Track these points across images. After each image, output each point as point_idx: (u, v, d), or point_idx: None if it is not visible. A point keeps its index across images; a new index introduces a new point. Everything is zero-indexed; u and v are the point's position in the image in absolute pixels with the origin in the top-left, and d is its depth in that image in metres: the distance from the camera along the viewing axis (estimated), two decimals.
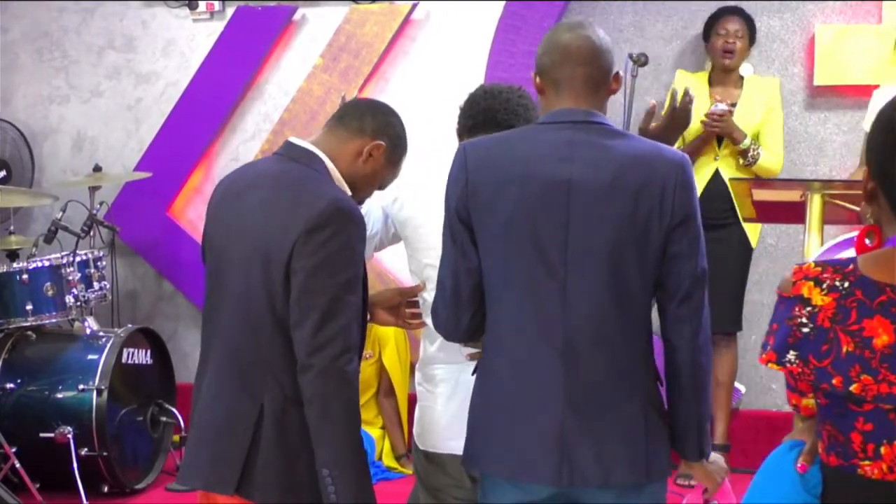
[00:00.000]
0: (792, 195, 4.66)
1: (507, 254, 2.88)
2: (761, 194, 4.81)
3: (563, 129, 2.90)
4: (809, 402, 2.37)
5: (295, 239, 2.99)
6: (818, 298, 2.22)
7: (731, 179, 5.54)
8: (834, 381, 2.19)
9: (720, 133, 5.98)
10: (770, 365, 2.27)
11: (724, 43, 6.11)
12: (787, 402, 6.22)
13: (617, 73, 3.00)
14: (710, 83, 6.20)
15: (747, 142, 5.97)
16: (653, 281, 2.90)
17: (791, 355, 2.24)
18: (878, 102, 5.83)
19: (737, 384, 6.29)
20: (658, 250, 2.86)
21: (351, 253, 3.05)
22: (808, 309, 2.23)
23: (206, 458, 3.13)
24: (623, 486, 2.89)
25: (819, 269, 2.24)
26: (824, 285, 2.22)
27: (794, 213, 4.66)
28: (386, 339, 6.31)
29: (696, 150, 5.97)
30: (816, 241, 4.54)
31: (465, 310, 2.99)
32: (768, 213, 4.97)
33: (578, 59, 2.93)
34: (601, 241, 2.83)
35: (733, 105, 6.06)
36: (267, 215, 3.07)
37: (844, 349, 2.19)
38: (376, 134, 3.25)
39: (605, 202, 2.83)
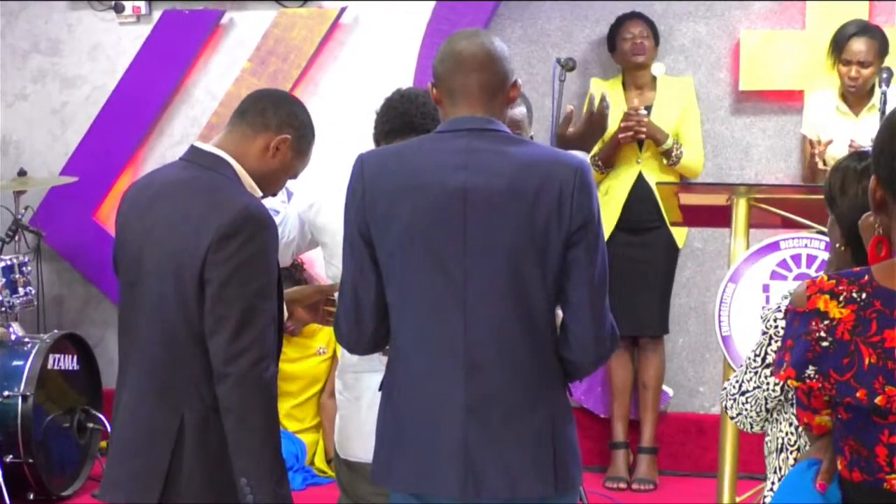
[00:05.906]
0: (718, 199, 4.71)
1: (405, 266, 2.85)
2: (688, 198, 4.86)
3: (460, 138, 2.87)
4: (823, 419, 2.30)
5: (207, 248, 2.97)
6: (836, 311, 2.17)
7: (657, 184, 5.56)
8: (858, 395, 2.14)
9: (643, 137, 5.99)
10: (790, 382, 2.21)
11: (632, 45, 6.14)
12: (714, 405, 6.28)
13: (515, 81, 2.96)
14: (625, 87, 6.23)
15: (669, 142, 6.00)
16: (555, 288, 2.86)
17: (811, 370, 2.18)
18: (813, 106, 5.88)
19: (664, 387, 6.33)
20: (558, 257, 2.83)
21: (264, 259, 3.03)
22: (826, 322, 2.17)
23: (127, 472, 3.11)
24: (531, 499, 2.85)
25: (833, 281, 2.19)
26: (841, 297, 2.17)
27: (720, 217, 4.72)
28: None
29: (614, 150, 5.99)
30: (742, 244, 4.60)
31: (366, 324, 2.95)
32: (695, 216, 5.03)
33: (472, 66, 2.89)
34: (499, 249, 2.80)
35: (648, 108, 6.09)
36: (178, 225, 3.04)
37: (867, 361, 2.13)
38: (281, 127, 3.19)
39: (502, 209, 2.80)
